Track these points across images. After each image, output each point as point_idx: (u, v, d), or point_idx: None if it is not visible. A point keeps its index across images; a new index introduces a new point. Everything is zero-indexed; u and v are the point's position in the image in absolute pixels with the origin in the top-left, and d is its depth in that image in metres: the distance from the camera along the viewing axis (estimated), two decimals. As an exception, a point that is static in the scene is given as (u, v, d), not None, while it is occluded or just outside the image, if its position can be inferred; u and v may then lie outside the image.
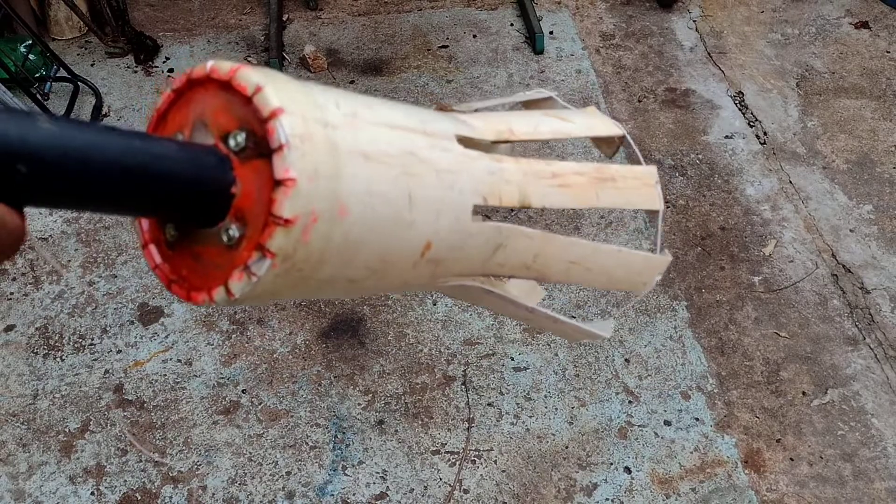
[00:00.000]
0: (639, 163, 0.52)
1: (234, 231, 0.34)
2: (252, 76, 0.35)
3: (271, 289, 0.34)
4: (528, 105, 0.60)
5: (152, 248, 0.38)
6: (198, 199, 0.34)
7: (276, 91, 0.34)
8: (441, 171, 0.40)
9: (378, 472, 1.46)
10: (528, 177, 0.45)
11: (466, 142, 0.43)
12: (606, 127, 0.53)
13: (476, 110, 0.51)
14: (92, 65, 2.33)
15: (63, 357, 1.62)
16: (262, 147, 0.33)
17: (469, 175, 0.42)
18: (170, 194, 0.34)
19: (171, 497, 1.42)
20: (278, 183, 0.32)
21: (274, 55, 2.30)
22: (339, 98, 0.37)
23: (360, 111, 0.37)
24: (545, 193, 0.46)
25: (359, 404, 1.55)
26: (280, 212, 0.32)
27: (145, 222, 0.38)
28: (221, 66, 0.36)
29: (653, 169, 0.52)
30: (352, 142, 0.36)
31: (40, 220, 1.91)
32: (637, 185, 0.51)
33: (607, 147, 0.57)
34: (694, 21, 2.52)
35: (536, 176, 0.46)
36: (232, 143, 0.35)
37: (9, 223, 0.31)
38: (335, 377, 1.60)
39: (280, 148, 0.33)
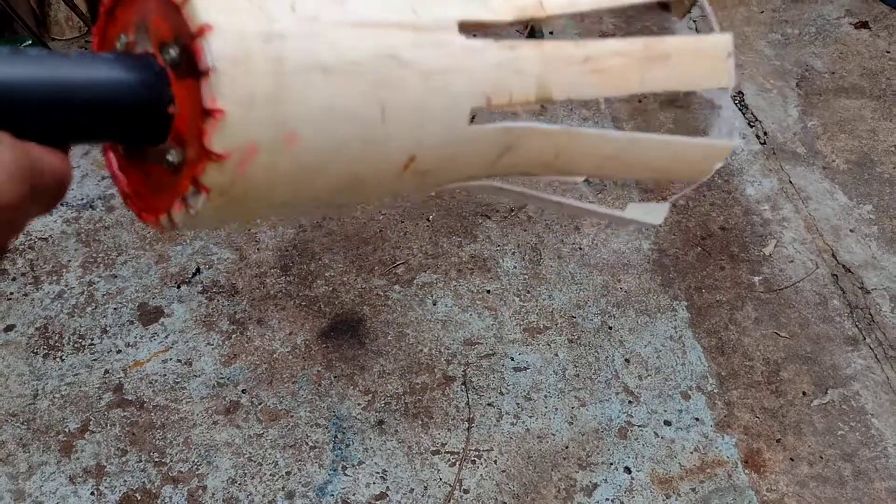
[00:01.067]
0: (711, 29, 0.43)
1: (174, 156, 0.30)
2: None
3: (217, 216, 0.31)
4: None
5: (111, 154, 0.34)
6: (133, 120, 0.30)
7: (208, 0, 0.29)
8: (430, 72, 0.34)
9: (378, 473, 1.46)
10: (551, 64, 0.38)
11: (478, 27, 0.37)
12: None
13: None
14: (92, 65, 2.32)
15: (63, 357, 1.62)
16: (193, 66, 0.29)
17: (468, 73, 0.35)
18: (100, 117, 0.30)
19: (170, 497, 1.42)
20: (207, 113, 0.28)
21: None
22: None
23: (325, 10, 0.31)
24: (572, 83, 0.38)
25: (359, 404, 1.55)
26: (210, 146, 0.28)
27: None
28: None
29: (727, 38, 0.42)
30: (305, 54, 0.30)
31: (40, 221, 1.91)
32: (698, 60, 0.42)
33: (678, 6, 0.50)
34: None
35: (563, 62, 0.38)
36: (167, 56, 0.30)
37: (48, 164, 0.28)
38: (335, 377, 1.59)
39: (206, 73, 0.28)
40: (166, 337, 1.66)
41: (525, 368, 1.61)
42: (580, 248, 1.86)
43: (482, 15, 0.37)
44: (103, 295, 1.73)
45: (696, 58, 0.41)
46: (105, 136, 0.32)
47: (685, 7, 0.46)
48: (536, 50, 0.37)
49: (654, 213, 0.46)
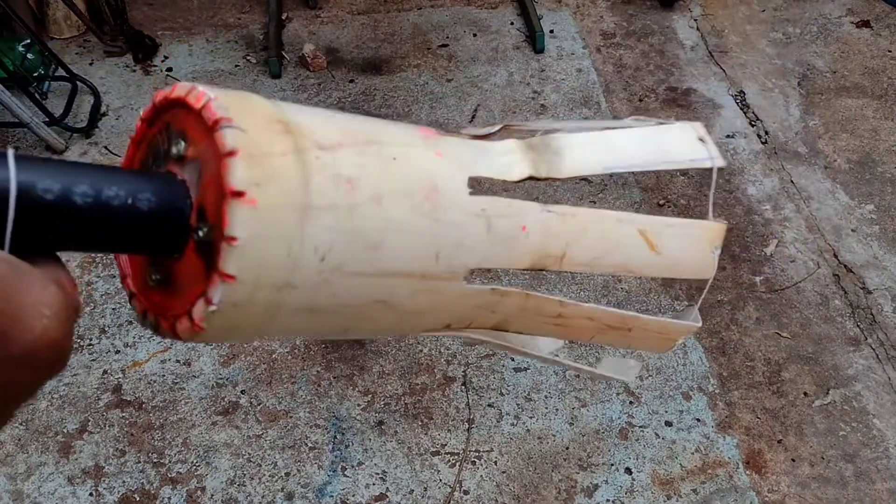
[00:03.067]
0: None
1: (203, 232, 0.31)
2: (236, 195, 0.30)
3: (235, 323, 0.31)
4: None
5: (129, 281, 0.35)
6: (157, 239, 0.32)
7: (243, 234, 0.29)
8: (406, 312, 0.36)
9: (378, 473, 1.45)
10: (525, 313, 0.42)
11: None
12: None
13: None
14: (90, 64, 2.32)
15: (61, 357, 1.61)
16: (210, 259, 0.30)
17: (444, 312, 0.39)
18: (131, 233, 0.31)
19: (169, 498, 1.41)
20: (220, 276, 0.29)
21: (273, 54, 2.30)
22: (331, 244, 0.31)
23: (351, 260, 0.32)
24: (532, 327, 0.43)
25: (358, 405, 1.55)
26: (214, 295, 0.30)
27: (123, 258, 0.36)
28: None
29: (686, 325, 0.48)
30: (304, 301, 0.32)
31: (39, 220, 1.90)
32: (652, 339, 0.48)
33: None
34: (695, 20, 2.52)
35: (537, 313, 0.42)
36: (198, 232, 0.31)
37: (78, 302, 0.29)
38: (334, 378, 1.59)
39: (214, 279, 0.30)
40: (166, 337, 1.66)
41: (525, 369, 1.61)
42: (581, 248, 1.85)
43: (499, 261, 0.40)
44: (102, 295, 1.73)
45: (653, 337, 0.48)
46: (130, 249, 0.33)
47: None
48: (520, 301, 0.41)
49: (628, 371, 0.50)
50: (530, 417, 1.53)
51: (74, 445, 1.48)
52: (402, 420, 1.52)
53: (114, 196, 0.30)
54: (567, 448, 1.49)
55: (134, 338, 1.65)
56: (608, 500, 1.42)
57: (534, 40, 2.37)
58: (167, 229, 0.31)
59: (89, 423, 1.51)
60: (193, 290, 0.31)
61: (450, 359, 1.62)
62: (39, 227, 0.29)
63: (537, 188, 1.89)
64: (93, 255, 1.81)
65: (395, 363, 1.61)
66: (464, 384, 1.58)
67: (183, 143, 0.31)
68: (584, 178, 2.03)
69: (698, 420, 1.53)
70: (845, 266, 1.82)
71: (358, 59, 2.35)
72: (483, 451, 1.48)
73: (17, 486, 1.42)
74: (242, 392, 1.56)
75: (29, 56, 2.12)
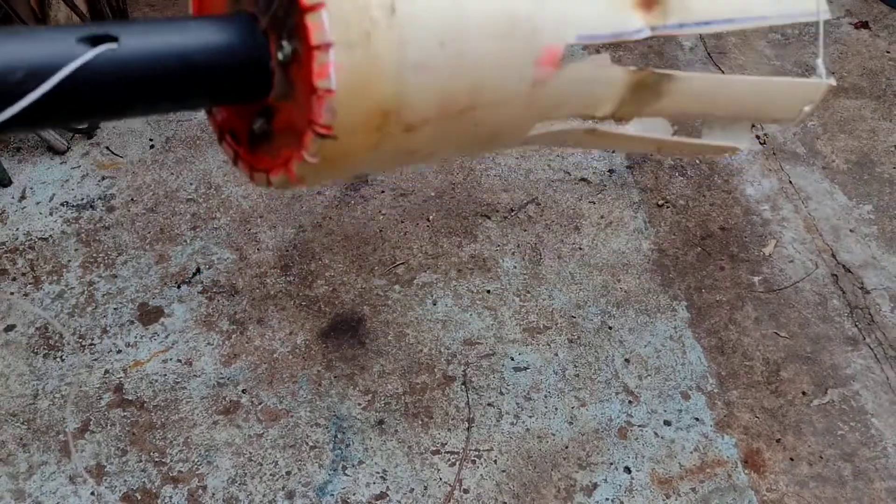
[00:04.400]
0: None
1: (284, 51, 0.30)
2: None
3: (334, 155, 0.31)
4: None
5: (228, 138, 0.35)
6: (240, 78, 0.31)
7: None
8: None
9: (378, 472, 1.46)
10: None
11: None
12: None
13: None
14: (92, 65, 2.32)
15: (63, 357, 1.62)
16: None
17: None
18: (216, 79, 0.30)
19: (171, 497, 1.42)
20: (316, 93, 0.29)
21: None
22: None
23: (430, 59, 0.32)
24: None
25: (359, 404, 1.55)
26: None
27: (219, 115, 0.35)
28: None
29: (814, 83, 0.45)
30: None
31: (40, 221, 1.91)
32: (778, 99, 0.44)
33: None
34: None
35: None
36: (281, 53, 0.30)
37: None
38: (335, 377, 1.60)
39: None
40: (166, 337, 1.66)
41: (525, 368, 1.62)
42: (580, 248, 1.86)
43: None
44: (103, 295, 1.73)
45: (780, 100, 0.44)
46: (218, 98, 0.32)
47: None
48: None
49: (739, 137, 0.47)
50: (530, 417, 1.54)
51: (76, 444, 1.48)
52: (402, 419, 1.53)
53: (182, 45, 0.29)
54: (566, 447, 1.50)
55: (135, 337, 1.66)
56: (607, 499, 1.43)
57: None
58: (250, 65, 0.30)
59: (91, 423, 1.52)
60: (302, 114, 0.30)
61: (450, 358, 1.63)
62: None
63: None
64: (95, 255, 1.81)
65: (395, 363, 1.62)
66: (464, 383, 1.59)
67: None
68: (584, 179, 2.04)
69: (697, 419, 1.54)
70: (843, 266, 1.82)
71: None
72: (483, 451, 1.49)
73: (18, 486, 1.43)
74: (243, 391, 1.57)
75: (30, 57, 2.13)
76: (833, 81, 0.45)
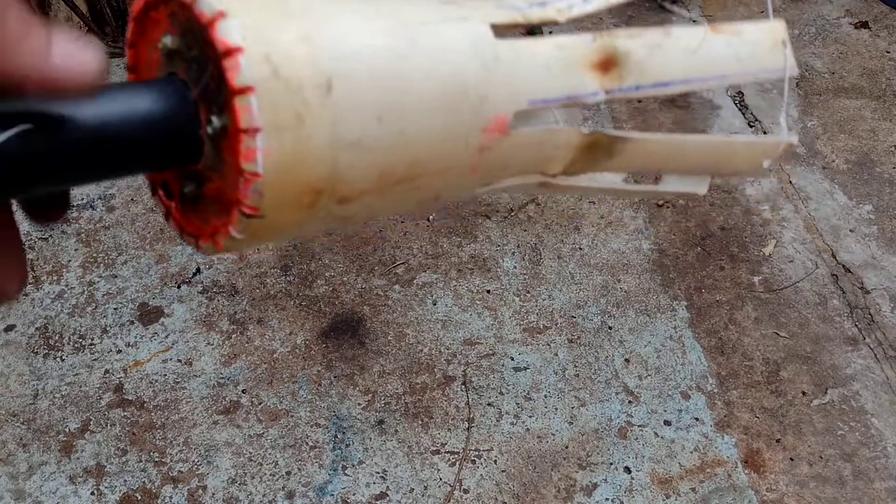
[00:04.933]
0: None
1: (213, 125, 0.30)
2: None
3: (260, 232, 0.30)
4: None
5: (161, 192, 0.34)
6: (169, 146, 0.30)
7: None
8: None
9: (378, 472, 1.46)
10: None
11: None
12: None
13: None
14: (92, 65, 2.33)
15: (63, 357, 1.62)
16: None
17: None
18: (142, 147, 0.29)
19: (170, 497, 1.42)
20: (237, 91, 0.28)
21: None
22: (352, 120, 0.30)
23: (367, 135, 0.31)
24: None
25: (359, 404, 1.55)
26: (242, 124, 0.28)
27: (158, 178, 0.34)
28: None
29: (774, 141, 0.43)
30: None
31: (40, 220, 1.91)
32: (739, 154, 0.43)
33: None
34: (694, 21, 2.52)
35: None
36: (211, 124, 0.30)
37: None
38: (335, 377, 1.60)
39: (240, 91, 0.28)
40: (166, 337, 1.66)
41: (525, 368, 1.62)
42: (580, 248, 1.86)
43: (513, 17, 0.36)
44: (103, 295, 1.74)
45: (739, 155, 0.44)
46: (145, 166, 0.31)
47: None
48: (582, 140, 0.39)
49: (698, 184, 0.46)
50: (530, 416, 1.54)
51: (76, 444, 1.48)
52: (402, 419, 1.53)
53: (112, 113, 0.28)
54: (566, 447, 1.50)
55: (135, 337, 1.66)
56: (607, 499, 1.43)
57: (533, 41, 2.37)
58: (178, 133, 0.29)
59: (91, 423, 1.52)
60: (231, 184, 0.29)
61: (450, 358, 1.63)
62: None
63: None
64: (95, 255, 1.81)
65: (395, 363, 1.62)
66: (464, 383, 1.59)
67: (170, 38, 0.30)
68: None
69: (697, 419, 1.54)
70: (843, 266, 1.82)
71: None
72: (483, 450, 1.49)
73: (18, 486, 1.43)
74: (243, 391, 1.57)
75: (30, 57, 2.13)
76: (795, 139, 0.43)
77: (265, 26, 0.28)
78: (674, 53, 0.38)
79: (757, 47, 0.41)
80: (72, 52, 0.25)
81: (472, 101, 0.33)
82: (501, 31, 0.35)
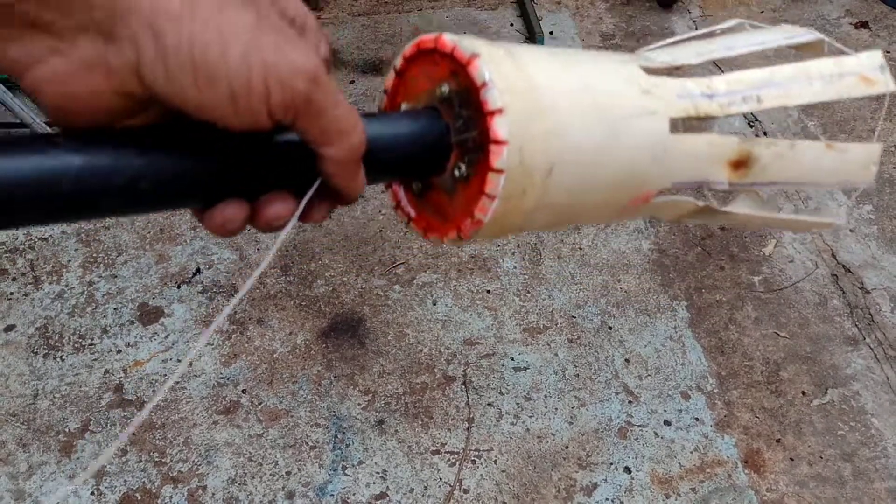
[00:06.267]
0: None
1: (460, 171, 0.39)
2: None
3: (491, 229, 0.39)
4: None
5: (404, 203, 0.44)
6: (427, 160, 0.40)
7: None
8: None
9: (378, 472, 1.46)
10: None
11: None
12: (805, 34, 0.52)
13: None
14: (92, 65, 2.32)
15: (63, 357, 1.62)
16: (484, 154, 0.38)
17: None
18: (408, 160, 0.39)
19: (170, 497, 1.42)
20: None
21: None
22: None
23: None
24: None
25: (359, 404, 1.55)
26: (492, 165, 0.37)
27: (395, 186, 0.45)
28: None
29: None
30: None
31: (40, 220, 1.91)
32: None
33: (812, 54, 0.55)
34: (694, 21, 2.52)
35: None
36: (458, 136, 0.39)
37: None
38: (335, 377, 1.60)
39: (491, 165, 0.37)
40: (166, 337, 1.66)
41: (525, 368, 1.62)
42: (580, 248, 1.86)
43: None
44: (103, 295, 1.73)
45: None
46: (403, 176, 0.42)
47: (820, 52, 0.54)
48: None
49: (836, 214, 0.55)
50: (530, 417, 1.54)
51: (76, 444, 1.48)
52: (402, 419, 1.53)
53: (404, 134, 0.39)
54: (566, 447, 1.50)
55: (135, 337, 1.66)
56: (607, 499, 1.43)
57: (533, 41, 2.37)
58: (431, 161, 0.39)
59: (91, 423, 1.52)
60: (470, 193, 0.39)
61: (450, 358, 1.63)
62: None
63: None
64: (94, 255, 1.81)
65: (395, 363, 1.62)
66: (464, 384, 1.59)
67: (445, 86, 0.39)
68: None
69: (697, 419, 1.54)
70: (843, 266, 1.82)
71: (358, 61, 2.35)
72: (483, 451, 1.49)
73: (18, 486, 1.43)
74: (243, 391, 1.57)
75: (30, 57, 2.13)
76: (843, 221, 0.53)
77: (526, 123, 0.37)
78: (791, 163, 0.47)
79: (854, 165, 0.49)
80: (362, 180, 0.37)
81: (636, 183, 0.42)
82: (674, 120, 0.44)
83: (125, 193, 0.31)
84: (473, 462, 1.47)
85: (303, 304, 1.73)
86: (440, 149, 0.39)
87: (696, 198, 0.47)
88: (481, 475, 1.45)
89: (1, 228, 0.30)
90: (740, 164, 0.45)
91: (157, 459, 1.47)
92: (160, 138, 0.32)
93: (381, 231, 1.88)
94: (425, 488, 1.43)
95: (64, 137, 0.30)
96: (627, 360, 1.63)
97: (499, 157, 0.36)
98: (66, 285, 1.75)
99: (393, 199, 0.44)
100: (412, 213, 0.43)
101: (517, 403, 1.56)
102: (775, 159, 0.46)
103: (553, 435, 1.51)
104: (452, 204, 0.40)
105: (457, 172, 0.39)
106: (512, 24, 2.49)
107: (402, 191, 0.44)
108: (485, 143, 0.37)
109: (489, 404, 1.56)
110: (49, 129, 2.02)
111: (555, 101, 0.38)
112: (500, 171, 0.36)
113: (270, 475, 1.45)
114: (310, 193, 0.36)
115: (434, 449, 1.49)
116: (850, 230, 1.90)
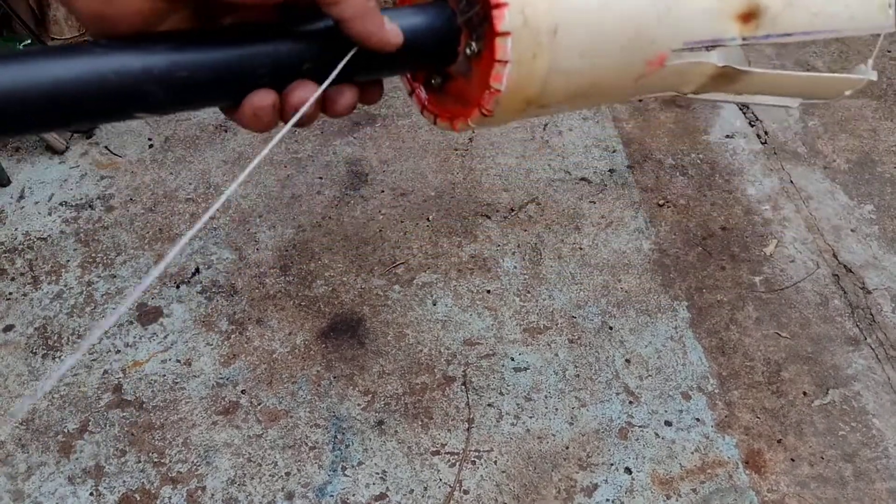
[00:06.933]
0: None
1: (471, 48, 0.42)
2: None
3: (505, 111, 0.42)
4: None
5: (419, 91, 0.47)
6: (439, 49, 0.43)
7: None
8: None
9: (378, 473, 1.45)
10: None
11: None
12: None
13: None
14: (91, 64, 2.32)
15: (62, 357, 1.61)
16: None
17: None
18: (422, 51, 0.42)
19: (170, 497, 1.41)
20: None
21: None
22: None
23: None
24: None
25: (358, 405, 1.55)
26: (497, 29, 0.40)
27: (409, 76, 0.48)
28: None
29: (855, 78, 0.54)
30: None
31: (39, 221, 1.91)
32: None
33: None
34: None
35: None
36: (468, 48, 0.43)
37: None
38: (335, 377, 1.59)
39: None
40: (165, 337, 1.66)
41: (525, 369, 1.61)
42: (580, 248, 1.86)
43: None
44: (102, 295, 1.73)
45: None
46: (418, 66, 0.45)
47: None
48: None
49: (866, 73, 0.57)
50: (530, 417, 1.53)
51: (75, 445, 1.48)
52: (402, 420, 1.53)
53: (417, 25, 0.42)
54: (567, 448, 1.49)
55: (134, 338, 1.65)
56: (608, 500, 1.42)
57: None
58: (444, 45, 0.42)
59: (90, 423, 1.51)
60: (480, 80, 0.41)
61: (450, 359, 1.62)
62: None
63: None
64: (93, 255, 1.81)
65: (395, 363, 1.62)
66: (464, 384, 1.59)
67: None
68: (584, 178, 2.04)
69: (698, 420, 1.54)
70: (845, 266, 1.82)
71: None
72: (483, 451, 1.48)
73: (17, 486, 1.42)
74: (243, 392, 1.56)
75: (29, 56, 2.12)
76: (874, 77, 0.56)
77: None
78: (801, 11, 0.48)
79: (869, 7, 0.50)
80: (392, 28, 0.39)
81: (645, 43, 0.43)
82: None
83: (166, 81, 0.35)
84: (473, 463, 1.47)
85: (302, 304, 1.72)
86: (449, 32, 0.42)
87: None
88: (481, 476, 1.45)
89: (63, 126, 0.35)
90: (749, 16, 0.46)
91: (155, 460, 1.46)
92: (192, 36, 0.36)
93: (380, 231, 1.88)
94: (425, 489, 1.43)
95: (107, 41, 0.34)
96: (628, 361, 1.63)
97: (502, 20, 0.38)
98: (65, 285, 1.75)
99: (407, 85, 0.47)
100: (425, 97, 0.46)
101: (517, 404, 1.56)
102: (785, 7, 0.47)
103: (553, 435, 1.51)
104: (470, 85, 0.43)
105: (468, 51, 0.41)
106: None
107: (421, 89, 0.47)
108: (488, 12, 0.39)
109: (489, 405, 1.55)
110: (48, 129, 2.01)
111: None
112: (506, 34, 0.38)
113: (270, 476, 1.44)
114: (333, 76, 0.38)
115: (434, 449, 1.48)
116: (852, 230, 1.90)
